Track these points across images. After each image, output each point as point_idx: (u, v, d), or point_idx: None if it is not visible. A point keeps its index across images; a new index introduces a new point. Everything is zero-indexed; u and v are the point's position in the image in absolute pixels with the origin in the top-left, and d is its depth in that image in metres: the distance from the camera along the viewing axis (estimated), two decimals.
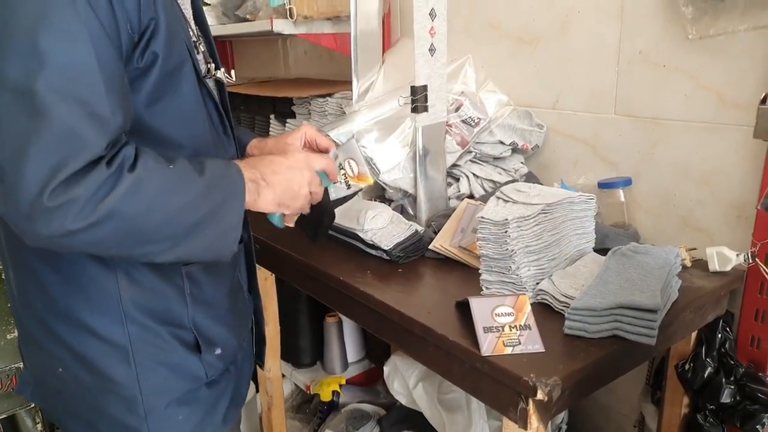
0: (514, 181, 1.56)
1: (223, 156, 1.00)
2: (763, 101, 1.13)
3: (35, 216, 0.71)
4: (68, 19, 0.71)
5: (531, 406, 0.91)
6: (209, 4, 2.19)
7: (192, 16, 0.99)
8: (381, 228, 1.36)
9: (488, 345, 0.96)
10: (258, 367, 1.35)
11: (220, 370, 1.01)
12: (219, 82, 1.03)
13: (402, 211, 1.56)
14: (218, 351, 1.00)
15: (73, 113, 0.71)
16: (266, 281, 1.65)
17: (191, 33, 0.95)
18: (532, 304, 1.04)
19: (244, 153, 1.18)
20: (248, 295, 1.15)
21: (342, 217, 1.40)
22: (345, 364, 2.06)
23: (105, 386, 0.93)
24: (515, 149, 1.62)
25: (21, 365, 1.72)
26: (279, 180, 0.93)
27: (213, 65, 0.99)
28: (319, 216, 1.12)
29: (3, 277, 1.69)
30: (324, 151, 1.16)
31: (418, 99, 1.41)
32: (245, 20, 2.03)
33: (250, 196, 0.89)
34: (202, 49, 0.97)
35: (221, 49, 2.70)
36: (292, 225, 1.07)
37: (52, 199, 0.69)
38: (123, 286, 0.90)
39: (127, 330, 0.91)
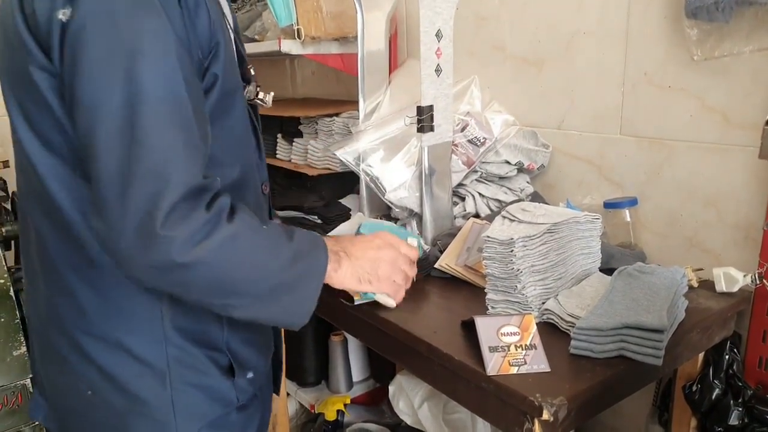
0: (519, 200, 1.56)
1: (258, 178, 1.01)
2: None
3: (142, 246, 0.73)
4: (161, 50, 0.74)
5: (537, 427, 0.91)
6: None
7: (233, 39, 1.01)
8: None
9: (494, 364, 0.96)
10: None
11: (250, 395, 1.00)
12: (253, 108, 1.03)
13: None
14: (250, 375, 0.99)
15: (169, 143, 0.74)
16: None
17: (244, 56, 0.97)
18: (537, 324, 1.04)
19: None
20: None
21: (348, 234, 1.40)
22: (350, 384, 2.05)
23: (137, 409, 0.90)
24: (521, 169, 1.63)
25: (27, 382, 1.72)
26: (359, 255, 0.94)
27: (259, 88, 1.01)
28: None
29: (11, 293, 1.70)
30: None
31: (425, 119, 1.42)
32: (254, 41, 2.06)
33: (331, 267, 0.90)
34: (252, 71, 1.00)
35: None
36: (393, 305, 1.06)
37: (162, 227, 0.72)
38: (165, 308, 0.89)
39: (166, 351, 0.89)
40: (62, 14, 0.73)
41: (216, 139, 0.87)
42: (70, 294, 0.89)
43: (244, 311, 0.83)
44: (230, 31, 0.94)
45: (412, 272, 1.02)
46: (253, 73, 1.02)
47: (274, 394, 1.18)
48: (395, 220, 1.63)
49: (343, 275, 0.92)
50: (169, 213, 0.72)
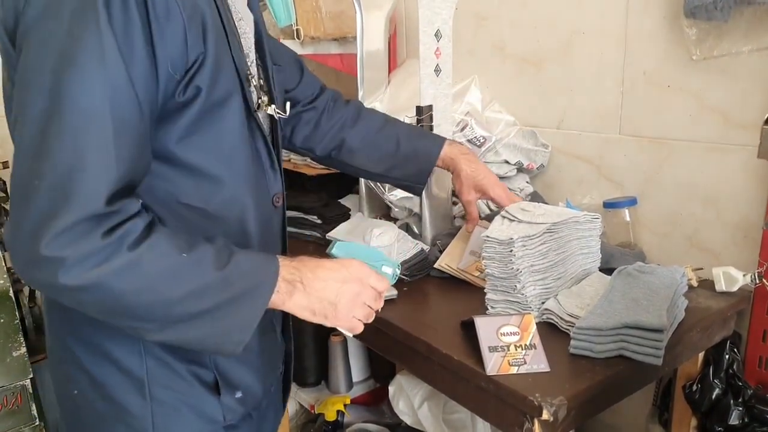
0: None
1: (266, 191, 0.97)
2: (767, 121, 1.14)
3: (29, 261, 0.71)
4: (93, 66, 0.71)
5: (536, 426, 0.91)
6: None
7: (254, 45, 0.97)
8: (387, 245, 1.36)
9: (493, 364, 0.96)
10: None
11: (240, 415, 0.96)
12: (272, 116, 1.00)
13: (407, 229, 1.57)
14: (239, 394, 0.95)
15: (78, 162, 0.70)
16: None
17: (248, 64, 0.92)
18: (537, 324, 1.04)
19: (434, 162, 1.28)
20: (281, 336, 1.09)
21: (348, 234, 1.40)
22: (350, 384, 2.05)
23: (118, 415, 0.90)
24: (520, 169, 1.63)
25: (27, 383, 1.73)
26: (319, 287, 0.86)
27: (266, 98, 0.96)
28: None
29: (11, 294, 1.70)
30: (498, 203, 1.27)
31: (424, 119, 1.42)
32: None
33: (279, 297, 0.83)
34: (255, 83, 0.94)
35: None
36: (350, 336, 0.95)
37: (47, 248, 0.68)
38: None
39: (145, 363, 0.89)
40: (21, 13, 0.73)
41: (198, 151, 0.84)
42: (58, 301, 0.89)
43: (155, 335, 0.79)
44: (236, 37, 0.89)
45: (377, 305, 0.93)
46: (259, 83, 0.96)
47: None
48: (395, 220, 1.63)
49: (294, 305, 0.85)
50: (57, 235, 0.68)
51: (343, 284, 0.87)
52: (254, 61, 0.96)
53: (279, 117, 1.00)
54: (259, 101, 0.94)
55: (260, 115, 0.95)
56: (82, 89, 0.70)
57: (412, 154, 1.29)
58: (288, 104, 1.02)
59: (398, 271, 1.03)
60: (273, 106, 0.98)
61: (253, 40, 0.97)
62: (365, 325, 0.91)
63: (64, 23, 0.71)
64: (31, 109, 0.71)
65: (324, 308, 0.86)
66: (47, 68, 0.71)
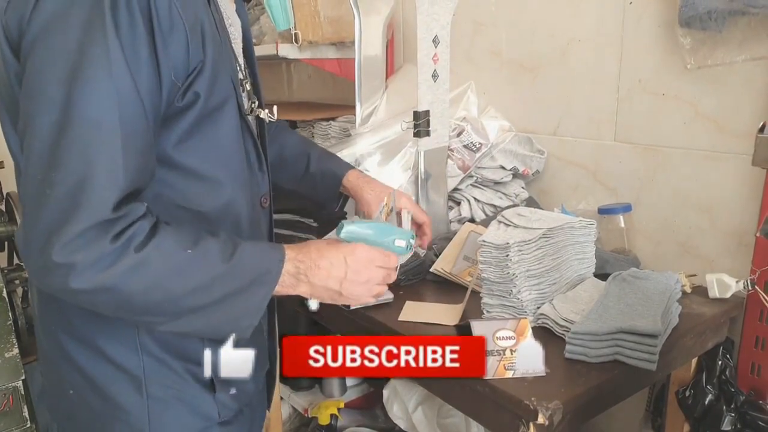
0: (514, 205, 1.57)
1: (256, 193, 1.00)
2: (761, 129, 1.15)
3: (43, 267, 0.74)
4: (101, 78, 0.73)
5: (532, 430, 0.91)
6: None
7: (242, 51, 0.99)
8: None
9: (489, 368, 0.96)
10: None
11: (233, 411, 0.99)
12: (259, 119, 1.03)
13: None
14: (233, 391, 0.97)
15: (88, 171, 0.73)
16: None
17: (239, 69, 0.95)
18: (533, 328, 1.04)
19: (339, 184, 1.28)
20: (267, 338, 1.12)
21: None
22: (344, 388, 2.05)
23: (113, 413, 0.91)
24: (516, 174, 1.64)
25: (19, 384, 1.72)
26: (322, 279, 0.90)
27: (256, 103, 0.99)
28: None
29: (4, 294, 1.69)
30: (419, 226, 1.25)
31: (421, 124, 1.43)
32: None
33: (284, 289, 0.88)
34: (248, 87, 0.97)
35: None
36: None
37: (58, 255, 0.71)
38: None
39: (142, 360, 0.90)
40: (26, 24, 0.74)
41: (196, 154, 0.86)
42: (54, 299, 0.90)
43: (167, 326, 0.82)
44: (233, 44, 0.93)
45: (390, 280, 0.97)
46: (249, 87, 0.99)
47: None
48: None
49: (301, 293, 0.91)
50: (68, 242, 0.71)
51: (346, 273, 0.90)
52: (243, 65, 0.99)
53: (269, 119, 1.04)
54: (252, 105, 0.98)
55: (250, 119, 0.98)
56: (91, 101, 0.72)
57: (319, 174, 1.33)
58: (275, 107, 1.05)
59: (412, 242, 1.04)
60: (265, 110, 1.02)
61: (241, 46, 1.00)
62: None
63: (72, 35, 0.72)
64: (40, 120, 0.73)
65: (330, 296, 0.92)
66: (56, 80, 0.72)
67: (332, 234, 1.07)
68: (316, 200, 1.38)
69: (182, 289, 0.79)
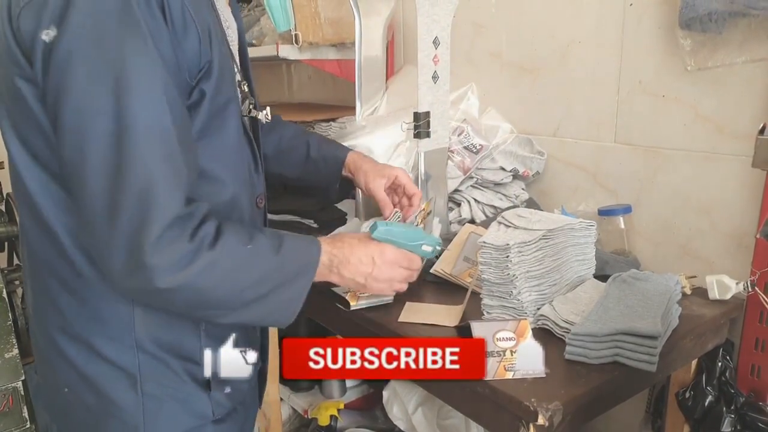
0: (514, 206, 1.57)
1: (253, 193, 1.02)
2: (761, 131, 1.15)
3: (126, 271, 0.78)
4: (148, 84, 0.76)
5: None
6: None
7: (237, 53, 1.01)
8: None
9: (489, 369, 0.96)
10: None
11: (227, 409, 0.99)
12: (254, 120, 1.04)
13: None
14: (228, 389, 0.98)
15: (154, 173, 0.76)
16: None
17: (236, 71, 0.97)
18: (533, 329, 1.04)
19: (341, 166, 1.32)
20: (259, 334, 1.14)
21: None
22: (343, 389, 2.05)
23: (108, 410, 0.92)
24: (516, 175, 1.64)
25: (19, 385, 1.72)
26: (351, 272, 0.99)
27: (253, 104, 1.02)
28: None
29: (4, 295, 1.69)
30: (409, 198, 1.29)
31: (421, 125, 1.43)
32: (251, 45, 2.06)
33: (318, 277, 0.95)
34: (245, 89, 1.00)
35: None
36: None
37: (151, 256, 0.76)
38: (138, 315, 0.90)
39: (137, 358, 0.90)
40: (46, 35, 0.74)
41: (207, 154, 0.88)
42: (50, 297, 0.91)
43: (228, 318, 0.88)
44: (230, 46, 0.95)
45: (411, 279, 1.08)
46: (246, 89, 1.01)
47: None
48: None
49: (333, 280, 0.99)
50: (155, 242, 0.76)
51: (372, 270, 1.01)
52: (239, 67, 1.00)
53: (266, 121, 1.06)
54: (249, 106, 1.01)
55: (246, 119, 1.00)
56: (143, 107, 0.75)
57: (321, 159, 1.36)
58: (268, 109, 1.07)
59: (439, 248, 1.13)
60: (264, 111, 1.05)
61: (237, 48, 1.01)
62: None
63: (111, 48, 0.74)
64: (94, 132, 0.75)
65: (356, 286, 1.04)
66: (104, 92, 0.74)
67: (365, 227, 1.19)
68: (320, 184, 1.42)
69: (245, 283, 0.85)
